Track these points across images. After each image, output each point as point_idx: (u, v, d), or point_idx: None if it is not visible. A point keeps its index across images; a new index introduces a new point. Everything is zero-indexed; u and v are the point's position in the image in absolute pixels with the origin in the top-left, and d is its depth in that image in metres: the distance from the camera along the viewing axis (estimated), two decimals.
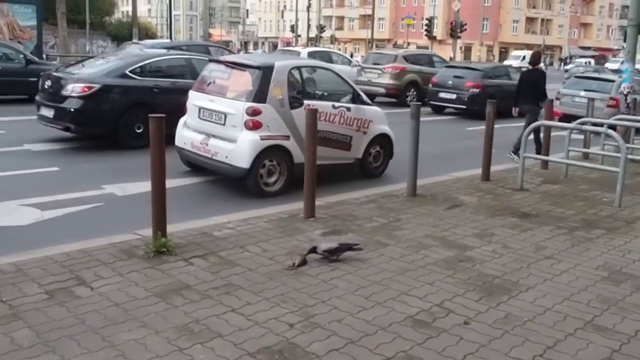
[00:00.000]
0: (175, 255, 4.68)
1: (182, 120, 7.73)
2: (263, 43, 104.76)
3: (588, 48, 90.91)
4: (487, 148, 8.12)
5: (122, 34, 38.07)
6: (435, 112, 17.33)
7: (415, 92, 19.03)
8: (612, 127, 9.19)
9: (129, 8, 49.01)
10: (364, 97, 8.14)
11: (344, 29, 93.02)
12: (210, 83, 7.51)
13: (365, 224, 5.79)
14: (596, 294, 4.31)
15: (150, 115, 4.76)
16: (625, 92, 11.41)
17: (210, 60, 8.35)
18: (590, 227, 6.03)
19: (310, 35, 61.62)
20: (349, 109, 7.72)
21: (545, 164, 8.98)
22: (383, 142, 8.32)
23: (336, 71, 8.34)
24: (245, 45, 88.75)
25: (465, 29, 41.88)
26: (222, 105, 7.05)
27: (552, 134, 9.23)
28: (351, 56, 40.58)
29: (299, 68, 7.58)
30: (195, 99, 7.50)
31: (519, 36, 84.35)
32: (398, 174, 7.95)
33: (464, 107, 16.56)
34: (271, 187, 7.07)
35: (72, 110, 9.11)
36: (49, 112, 9.47)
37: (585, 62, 56.46)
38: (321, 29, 60.42)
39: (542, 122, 8.34)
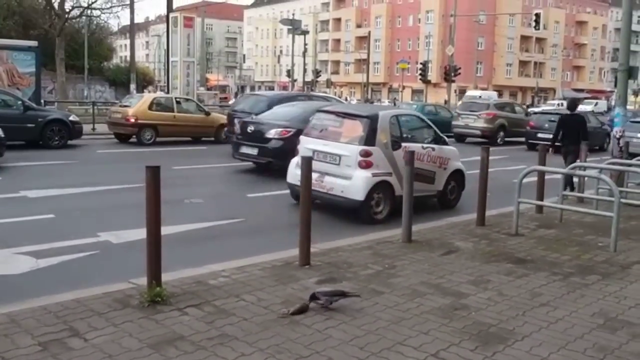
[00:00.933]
0: (170, 305, 4.66)
1: (293, 160, 9.11)
2: (259, 87, 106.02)
3: (581, 90, 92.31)
4: (481, 192, 8.18)
5: (120, 79, 38.56)
6: (529, 149, 20.80)
7: (503, 134, 23.27)
8: None
9: (127, 53, 49.80)
10: (444, 138, 9.69)
11: (340, 73, 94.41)
12: (322, 130, 8.96)
13: (361, 271, 5.79)
14: (592, 342, 4.29)
15: (146, 165, 4.81)
16: (617, 136, 11.56)
17: (319, 111, 9.60)
18: (585, 273, 6.03)
19: (307, 80, 62.47)
20: (433, 149, 9.23)
21: (540, 208, 9.03)
22: (458, 176, 9.76)
23: (422, 117, 10.12)
24: (242, 89, 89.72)
25: (460, 73, 42.50)
26: (336, 149, 8.49)
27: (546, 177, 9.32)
28: (346, 100, 41.35)
29: (396, 116, 9.05)
30: (308, 143, 8.88)
31: (513, 79, 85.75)
32: (394, 219, 7.97)
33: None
34: (379, 215, 8.40)
35: (274, 148, 11.82)
36: (252, 150, 12.39)
37: (558, 104, 59.14)
38: (317, 73, 61.30)
39: (535, 167, 8.42)
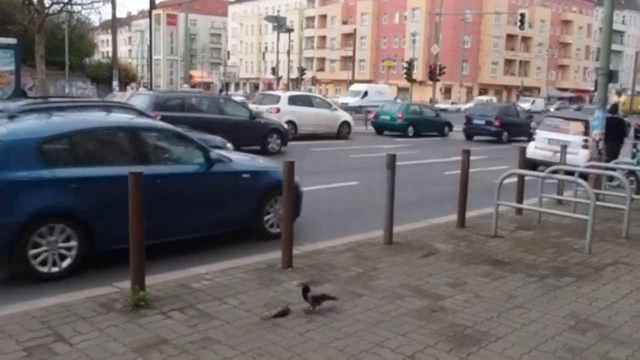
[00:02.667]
0: (154, 309, 4.75)
1: (531, 144, 14.99)
2: (244, 84, 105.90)
3: (566, 89, 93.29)
4: (462, 194, 8.34)
5: (102, 76, 38.23)
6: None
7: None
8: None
9: (109, 49, 49.48)
10: None
11: (325, 70, 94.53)
12: (554, 127, 15.13)
13: (342, 273, 5.92)
14: (563, 343, 4.45)
15: (130, 171, 4.89)
16: (597, 139, 11.76)
17: (549, 115, 15.81)
18: (560, 275, 6.20)
19: (292, 77, 62.46)
20: None
21: (519, 210, 9.21)
22: None
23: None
24: (226, 86, 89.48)
25: (444, 72, 42.82)
26: (567, 137, 14.09)
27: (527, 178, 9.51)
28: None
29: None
30: (543, 134, 15.07)
31: (498, 77, 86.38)
32: (377, 221, 8.09)
33: None
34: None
35: None
36: None
37: (532, 102, 63.51)
38: (302, 70, 61.32)
39: (515, 170, 8.60)
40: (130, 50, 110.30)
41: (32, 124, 6.57)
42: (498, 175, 8.21)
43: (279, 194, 6.69)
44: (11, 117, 6.84)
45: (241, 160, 7.79)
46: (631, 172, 10.57)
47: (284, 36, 54.56)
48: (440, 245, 7.19)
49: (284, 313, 4.74)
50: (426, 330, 4.58)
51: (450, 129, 28.48)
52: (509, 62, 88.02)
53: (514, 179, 9.32)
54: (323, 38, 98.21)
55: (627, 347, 4.43)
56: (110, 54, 38.88)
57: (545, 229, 8.37)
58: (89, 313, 4.63)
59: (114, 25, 32.60)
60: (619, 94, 76.87)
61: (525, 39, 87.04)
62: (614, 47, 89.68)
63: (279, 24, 44.96)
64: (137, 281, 4.89)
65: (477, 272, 6.18)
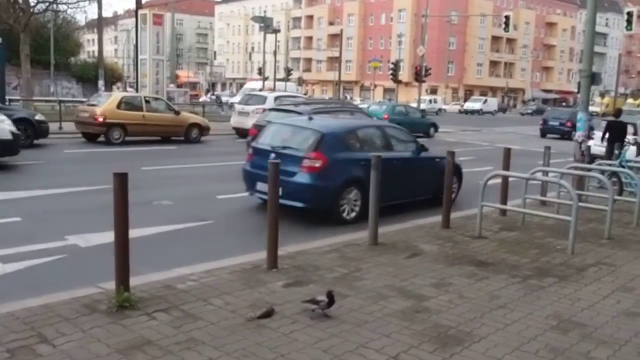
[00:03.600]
0: (138, 310, 4.74)
1: (590, 142, 14.01)
2: (231, 84, 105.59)
3: (550, 91, 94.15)
4: (447, 196, 8.39)
5: (87, 75, 38.03)
6: None
7: None
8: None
9: (95, 48, 49.12)
10: None
11: (312, 70, 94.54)
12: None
13: (327, 274, 5.93)
14: (545, 343, 4.50)
15: (114, 172, 4.88)
16: (579, 140, 11.89)
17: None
18: (543, 275, 6.26)
19: (279, 77, 62.41)
20: None
21: (503, 211, 9.28)
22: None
23: None
24: (213, 86, 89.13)
25: (430, 74, 42.95)
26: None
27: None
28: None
29: None
30: (599, 134, 15.44)
31: (483, 79, 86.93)
32: (361, 222, 8.13)
33: None
34: None
35: None
36: None
37: (484, 102, 66.51)
38: (289, 71, 61.26)
39: (499, 172, 8.67)
40: (116, 50, 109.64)
41: (334, 122, 9.97)
42: (483, 176, 8.27)
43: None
44: (310, 118, 9.70)
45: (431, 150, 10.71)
46: (613, 174, 10.69)
47: (270, 36, 54.41)
48: (425, 246, 7.23)
49: (268, 314, 4.74)
50: (410, 330, 4.61)
51: (436, 130, 28.61)
52: (494, 64, 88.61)
53: (499, 180, 9.39)
54: (309, 39, 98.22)
55: (608, 347, 4.48)
56: (96, 54, 38.60)
57: (528, 230, 8.44)
58: (73, 314, 4.60)
59: (100, 24, 32.38)
60: (602, 95, 77.64)
61: (510, 41, 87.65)
62: (598, 49, 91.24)
63: (266, 25, 44.80)
64: (122, 282, 4.87)
65: (461, 272, 6.23)
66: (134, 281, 5.09)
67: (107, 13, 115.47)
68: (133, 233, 5.15)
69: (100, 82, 30.89)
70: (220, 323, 4.58)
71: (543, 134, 31.50)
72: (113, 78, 41.76)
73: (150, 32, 23.95)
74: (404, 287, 5.64)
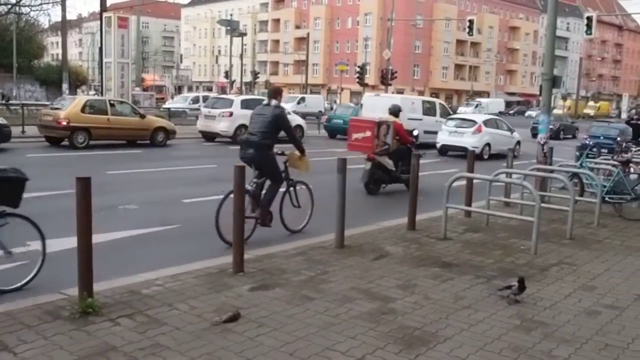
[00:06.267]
0: (102, 316, 4.67)
1: None
2: (197, 87, 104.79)
3: (514, 94, 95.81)
4: (412, 198, 8.48)
5: (51, 79, 37.28)
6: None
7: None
8: None
9: (59, 51, 48.22)
10: None
11: (279, 74, 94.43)
12: None
13: (293, 277, 5.93)
14: (508, 342, 4.58)
15: (77, 177, 4.80)
16: (542, 142, 12.12)
17: None
18: (507, 276, 6.35)
19: (245, 80, 62.20)
20: None
21: (468, 212, 9.40)
22: None
23: None
24: (179, 89, 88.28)
25: (396, 77, 43.36)
26: None
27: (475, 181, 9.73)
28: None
29: None
30: None
31: (449, 82, 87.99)
32: (328, 225, 8.13)
33: None
34: None
35: None
36: None
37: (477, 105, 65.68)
38: (255, 74, 61.12)
39: (463, 174, 8.79)
40: (80, 53, 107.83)
41: None
42: (447, 179, 8.37)
43: None
44: None
45: None
46: (575, 175, 10.93)
47: (237, 40, 54.24)
48: (391, 248, 7.28)
49: (234, 318, 4.72)
50: (376, 332, 4.64)
51: None
52: (459, 67, 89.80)
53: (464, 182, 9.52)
54: (276, 42, 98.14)
55: (569, 345, 4.58)
56: (60, 57, 37.91)
57: (493, 231, 8.58)
58: (35, 321, 4.51)
59: (63, 27, 31.85)
60: (564, 98, 79.41)
61: (474, 45, 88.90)
62: (560, 53, 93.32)
63: (232, 28, 44.61)
64: (85, 288, 4.79)
65: (427, 274, 6.29)
66: (97, 287, 5.01)
67: (71, 16, 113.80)
68: (97, 238, 5.09)
69: (65, 86, 30.37)
70: (186, 328, 4.54)
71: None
72: (77, 81, 41.06)
73: (115, 35, 23.67)
74: (370, 289, 5.67)
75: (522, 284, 5.48)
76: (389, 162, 11.27)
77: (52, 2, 35.24)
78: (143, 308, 4.90)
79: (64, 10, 29.91)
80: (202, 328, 4.56)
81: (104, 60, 24.30)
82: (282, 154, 7.89)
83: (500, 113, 66.25)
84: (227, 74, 55.00)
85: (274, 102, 7.72)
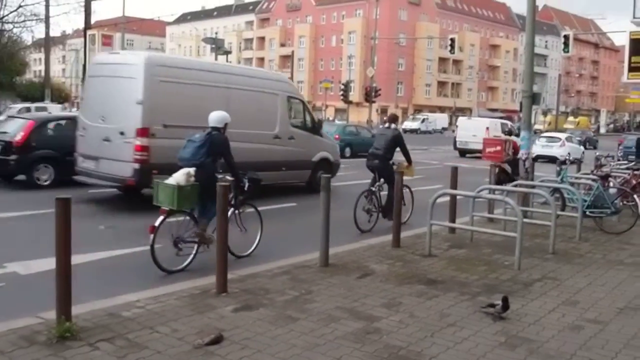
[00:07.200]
0: (80, 340, 4.56)
1: None
2: None
3: (496, 110, 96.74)
4: (396, 214, 8.47)
5: (33, 95, 37.04)
6: None
7: None
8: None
9: (42, 68, 47.91)
10: None
11: None
12: None
13: (278, 297, 5.86)
14: (493, 359, 4.55)
15: (56, 197, 4.73)
16: (523, 158, 12.20)
17: None
18: (491, 292, 6.34)
19: None
20: None
21: (452, 228, 9.40)
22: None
23: None
24: None
25: (380, 94, 43.68)
26: None
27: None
28: None
29: None
30: None
31: (432, 99, 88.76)
32: (313, 243, 8.07)
33: None
34: None
35: None
36: None
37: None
38: None
39: (446, 190, 8.79)
40: (64, 70, 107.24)
41: None
42: (432, 195, 8.37)
43: None
44: None
45: None
46: (556, 190, 10.99)
47: (222, 57, 54.33)
48: (375, 266, 7.24)
49: (217, 340, 4.64)
50: (361, 352, 4.58)
51: None
52: (441, 84, 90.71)
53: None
54: (261, 59, 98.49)
55: None
56: (43, 73, 37.64)
57: (477, 247, 8.57)
58: (9, 347, 4.39)
59: (47, 44, 31.71)
60: (544, 114, 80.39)
61: (456, 62, 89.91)
62: (539, 69, 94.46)
63: (217, 46, 44.60)
64: (63, 311, 4.68)
65: (412, 291, 6.25)
66: (76, 310, 4.90)
67: (55, 32, 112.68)
68: (76, 259, 4.99)
69: (47, 102, 30.11)
70: (167, 351, 4.45)
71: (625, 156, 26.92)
72: (60, 98, 40.81)
73: (99, 52, 23.55)
74: (355, 308, 5.62)
75: (506, 303, 5.46)
76: (508, 168, 13.93)
77: (36, 19, 35.01)
78: (123, 331, 4.80)
79: (47, 27, 29.79)
80: (184, 351, 4.47)
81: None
82: (393, 164, 10.36)
83: (444, 129, 67.23)
84: None
85: (393, 125, 10.61)
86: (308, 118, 14.13)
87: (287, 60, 79.35)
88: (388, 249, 8.17)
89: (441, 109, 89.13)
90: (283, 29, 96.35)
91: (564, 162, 12.10)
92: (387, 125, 10.72)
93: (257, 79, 13.02)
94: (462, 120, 34.20)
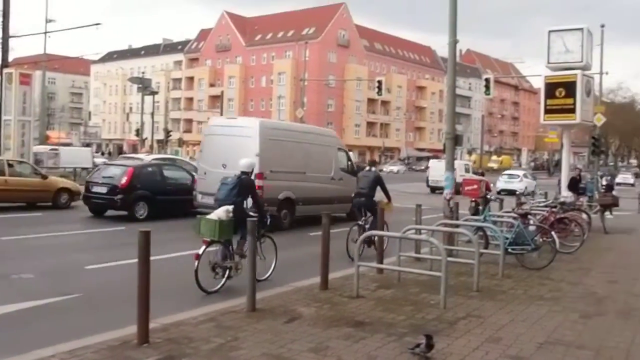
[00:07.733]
0: None
1: None
2: (107, 145, 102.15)
3: (423, 149, 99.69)
4: (324, 256, 8.44)
5: None
6: None
7: None
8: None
9: None
10: None
11: (193, 131, 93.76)
12: None
13: (202, 345, 5.68)
14: None
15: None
16: (447, 198, 12.52)
17: None
18: (418, 332, 6.35)
19: (158, 138, 61.23)
20: None
21: (380, 269, 9.47)
22: None
23: None
24: (87, 147, 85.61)
25: None
26: None
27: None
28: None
29: None
30: None
31: (361, 139, 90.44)
32: (239, 287, 7.94)
33: None
34: None
35: None
36: None
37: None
38: (168, 132, 60.36)
39: (373, 232, 8.89)
40: None
41: None
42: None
43: None
44: None
45: None
46: (479, 228, 11.32)
47: (149, 97, 53.67)
48: (303, 309, 7.17)
49: None
50: None
51: None
52: (370, 125, 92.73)
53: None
54: (190, 99, 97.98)
55: None
56: None
57: (404, 287, 8.65)
58: None
59: None
60: (469, 153, 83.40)
61: (384, 103, 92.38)
62: (464, 110, 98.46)
63: (144, 86, 44.14)
64: None
65: (339, 334, 6.21)
66: None
67: None
68: None
69: None
70: None
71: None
72: None
73: (16, 92, 22.68)
74: (281, 355, 5.51)
75: (430, 341, 5.50)
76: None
77: None
78: None
79: None
80: None
81: (3, 118, 23.14)
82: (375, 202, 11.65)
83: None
84: (138, 132, 53.93)
85: (373, 168, 12.54)
86: (349, 164, 18.54)
87: (216, 100, 79.24)
88: (316, 292, 8.13)
89: (370, 149, 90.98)
90: (212, 69, 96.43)
91: (488, 201, 12.68)
92: (368, 168, 12.69)
93: (321, 136, 18.12)
94: (433, 161, 39.99)
